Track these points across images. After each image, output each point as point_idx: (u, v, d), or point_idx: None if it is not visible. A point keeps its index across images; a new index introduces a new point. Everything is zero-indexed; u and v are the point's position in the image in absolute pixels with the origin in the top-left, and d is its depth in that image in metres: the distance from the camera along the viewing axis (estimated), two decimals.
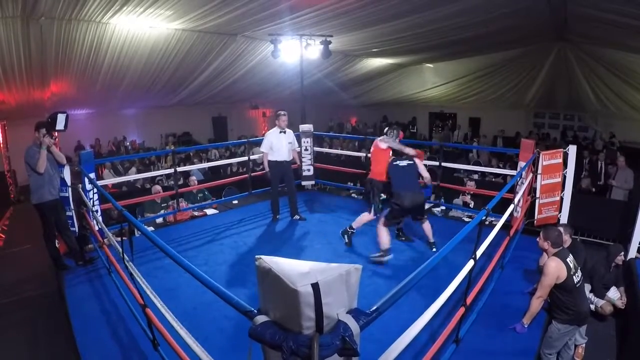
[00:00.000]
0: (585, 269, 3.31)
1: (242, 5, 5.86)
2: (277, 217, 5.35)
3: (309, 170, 6.51)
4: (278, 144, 5.01)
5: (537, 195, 4.50)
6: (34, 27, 5.69)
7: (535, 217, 4.54)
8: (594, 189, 7.08)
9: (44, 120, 3.91)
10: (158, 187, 5.71)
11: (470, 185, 5.78)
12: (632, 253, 3.91)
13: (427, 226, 4.30)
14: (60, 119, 3.93)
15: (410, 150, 4.14)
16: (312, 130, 6.42)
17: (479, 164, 9.11)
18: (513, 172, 5.16)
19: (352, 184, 7.49)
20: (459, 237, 2.08)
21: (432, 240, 4.33)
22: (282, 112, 5.14)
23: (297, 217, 5.40)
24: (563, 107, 12.65)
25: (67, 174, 4.21)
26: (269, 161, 5.08)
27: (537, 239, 2.94)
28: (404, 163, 4.05)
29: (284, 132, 5.06)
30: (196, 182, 6.23)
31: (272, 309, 1.23)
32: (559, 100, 12.17)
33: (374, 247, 4.43)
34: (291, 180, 5.27)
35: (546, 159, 4.44)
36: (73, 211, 4.34)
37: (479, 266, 2.79)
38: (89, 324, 3.08)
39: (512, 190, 4.05)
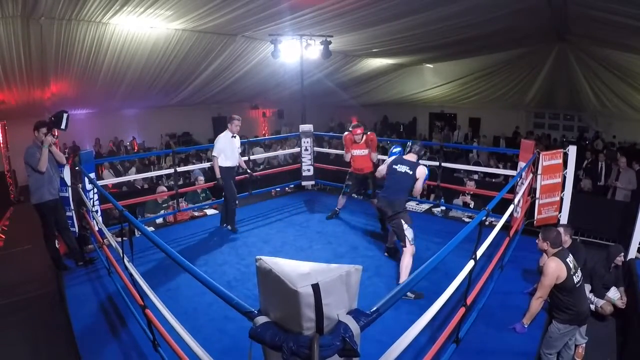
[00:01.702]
0: (585, 269, 3.31)
1: (242, 5, 5.86)
2: (235, 227, 5.01)
3: (309, 170, 6.51)
4: (230, 149, 4.83)
5: (537, 195, 4.50)
6: (34, 27, 5.69)
7: (535, 218, 4.53)
8: (591, 190, 7.08)
9: (43, 120, 3.92)
10: (163, 188, 5.73)
11: (470, 186, 5.77)
12: (632, 253, 3.91)
13: (392, 232, 3.92)
14: (64, 118, 3.95)
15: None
16: (312, 130, 6.42)
17: (479, 164, 9.11)
18: (513, 173, 5.16)
19: None
20: (459, 237, 2.08)
21: (390, 245, 4.17)
22: (237, 117, 4.95)
23: (228, 227, 5.05)
24: (563, 107, 12.65)
25: (67, 174, 4.21)
26: (221, 167, 4.77)
27: (537, 240, 2.93)
28: (402, 169, 3.69)
29: (235, 137, 4.90)
30: (203, 182, 6.22)
31: (273, 310, 1.23)
32: (559, 101, 12.18)
33: (373, 247, 4.46)
34: (234, 187, 5.00)
35: (546, 160, 4.44)
36: (73, 211, 4.34)
37: (479, 266, 2.79)
38: (89, 324, 3.08)
39: (512, 191, 4.05)
